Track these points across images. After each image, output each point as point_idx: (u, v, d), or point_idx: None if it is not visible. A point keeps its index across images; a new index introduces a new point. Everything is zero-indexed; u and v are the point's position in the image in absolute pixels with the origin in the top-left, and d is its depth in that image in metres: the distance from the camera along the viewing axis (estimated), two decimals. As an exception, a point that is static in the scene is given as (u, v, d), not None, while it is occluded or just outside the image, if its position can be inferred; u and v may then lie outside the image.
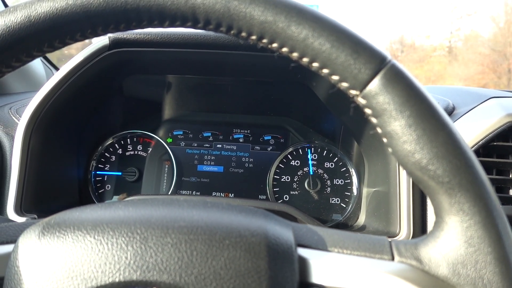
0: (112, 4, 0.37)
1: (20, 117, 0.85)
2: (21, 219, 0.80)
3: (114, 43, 0.82)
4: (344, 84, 0.37)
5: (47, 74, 1.52)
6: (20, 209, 0.82)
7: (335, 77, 0.38)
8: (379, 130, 0.38)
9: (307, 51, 0.37)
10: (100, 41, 0.82)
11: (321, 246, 0.39)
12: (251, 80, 1.07)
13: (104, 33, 0.40)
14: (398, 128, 0.36)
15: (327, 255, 0.38)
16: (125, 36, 0.82)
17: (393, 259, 0.38)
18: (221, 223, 0.37)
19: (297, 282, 0.35)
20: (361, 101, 0.38)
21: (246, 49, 0.85)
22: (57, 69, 1.58)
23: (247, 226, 0.37)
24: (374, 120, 0.38)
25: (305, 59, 0.38)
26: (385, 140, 0.38)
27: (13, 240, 0.38)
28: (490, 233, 0.34)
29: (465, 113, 0.87)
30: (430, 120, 0.35)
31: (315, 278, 0.36)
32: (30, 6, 0.38)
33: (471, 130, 0.81)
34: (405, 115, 0.35)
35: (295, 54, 0.38)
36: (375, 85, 0.36)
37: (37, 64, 1.46)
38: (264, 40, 0.38)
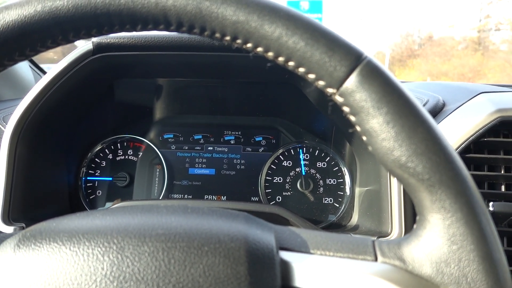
0: (81, 9, 0.37)
1: (6, 124, 0.83)
2: (8, 228, 0.79)
3: (98, 48, 0.81)
4: (321, 83, 0.37)
5: (36, 80, 1.50)
6: (8, 218, 0.81)
7: (311, 76, 0.37)
8: (358, 128, 0.37)
9: (281, 50, 0.36)
10: (83, 46, 0.81)
11: (304, 248, 0.38)
12: (241, 81, 1.06)
13: (75, 39, 0.39)
14: (376, 125, 0.35)
15: (309, 258, 0.37)
16: (108, 40, 0.81)
17: (376, 259, 0.37)
18: (200, 229, 0.36)
19: (279, 287, 0.34)
20: (338, 99, 0.37)
21: (234, 50, 0.84)
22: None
23: (227, 231, 0.36)
24: (352, 118, 0.37)
25: (280, 58, 0.37)
26: (364, 138, 0.37)
27: None
28: (472, 230, 0.34)
29: (455, 109, 0.86)
30: (408, 116, 0.34)
31: (298, 282, 0.36)
32: None
33: (462, 126, 0.81)
34: (383, 112, 0.35)
35: (270, 54, 0.37)
36: (351, 82, 0.35)
37: (25, 70, 1.45)
38: (238, 41, 0.37)
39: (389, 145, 0.35)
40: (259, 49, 0.37)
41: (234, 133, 1.14)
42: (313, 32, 0.36)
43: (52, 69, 0.82)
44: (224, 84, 1.08)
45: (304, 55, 0.36)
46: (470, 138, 0.79)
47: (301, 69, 0.37)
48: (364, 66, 0.35)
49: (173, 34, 0.82)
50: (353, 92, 0.35)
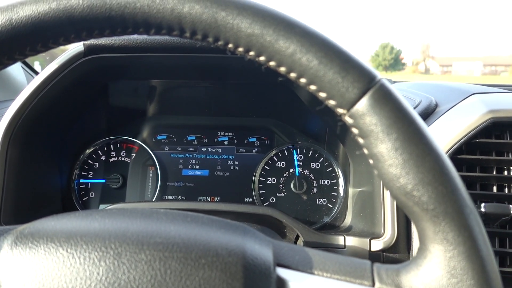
0: (96, 10, 0.37)
1: (-3, 126, 0.83)
2: None
3: (89, 50, 0.80)
4: (332, 102, 0.36)
5: (28, 81, 1.49)
6: (-1, 221, 0.80)
7: (322, 94, 0.37)
8: (365, 151, 0.37)
9: (294, 67, 0.36)
10: (75, 48, 0.81)
11: (301, 267, 0.38)
12: (235, 83, 1.06)
13: (88, 38, 0.39)
14: (384, 150, 0.35)
15: (306, 278, 0.37)
16: (100, 42, 0.80)
17: (373, 285, 0.37)
18: (198, 240, 0.36)
19: None
20: (348, 120, 0.37)
21: (226, 52, 0.83)
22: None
23: (225, 245, 0.36)
24: (360, 140, 0.37)
25: (292, 74, 0.37)
26: (371, 161, 0.37)
27: None
28: (473, 265, 0.33)
29: (447, 110, 0.87)
30: (418, 144, 0.34)
31: None
32: (12, 9, 0.37)
33: (454, 127, 0.81)
34: (392, 137, 0.34)
35: (282, 69, 0.37)
36: (362, 105, 0.35)
37: (17, 71, 1.44)
38: (251, 53, 0.37)
39: (396, 172, 0.34)
40: (272, 63, 0.37)
41: (227, 134, 1.14)
42: (328, 51, 0.35)
43: (44, 71, 0.81)
44: (217, 85, 1.08)
45: (317, 73, 0.35)
46: (463, 139, 0.79)
47: (312, 87, 0.37)
48: (376, 89, 0.35)
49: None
50: (363, 115, 0.35)
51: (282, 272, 0.37)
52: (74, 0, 0.37)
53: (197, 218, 0.39)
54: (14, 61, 0.41)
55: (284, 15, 0.36)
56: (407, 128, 0.34)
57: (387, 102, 0.35)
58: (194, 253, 0.34)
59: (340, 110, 0.37)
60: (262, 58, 0.37)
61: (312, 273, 0.38)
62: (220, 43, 0.37)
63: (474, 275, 0.33)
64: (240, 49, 0.37)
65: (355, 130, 0.37)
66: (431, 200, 0.34)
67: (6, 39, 0.38)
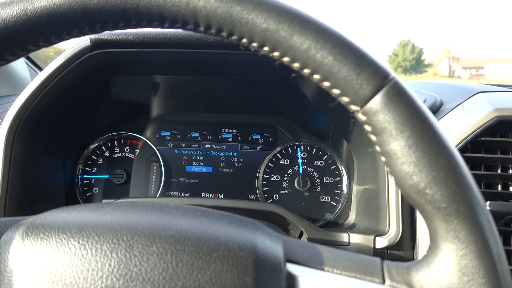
0: (111, 2, 0.37)
1: (2, 121, 0.83)
2: None
3: (95, 45, 0.80)
4: (345, 99, 0.37)
5: (32, 77, 1.49)
6: (4, 215, 0.80)
7: (336, 91, 0.37)
8: (378, 148, 0.37)
9: (308, 63, 0.36)
10: (81, 43, 0.81)
11: (311, 263, 0.38)
12: (239, 79, 1.06)
13: (102, 30, 0.39)
14: (397, 148, 0.35)
15: (316, 274, 0.37)
16: (106, 37, 0.80)
17: (383, 282, 0.37)
18: (210, 234, 0.36)
19: None
20: (361, 117, 0.37)
21: (232, 48, 0.84)
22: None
23: (236, 239, 0.36)
24: (373, 137, 0.37)
25: (306, 70, 0.37)
26: (383, 159, 0.37)
27: None
28: (485, 264, 0.33)
29: (452, 109, 0.87)
30: (431, 142, 0.34)
31: None
32: (27, 0, 0.37)
33: (459, 125, 0.81)
34: (405, 135, 0.34)
35: (296, 65, 0.37)
36: (376, 102, 0.35)
37: (21, 67, 1.44)
38: (266, 48, 0.37)
39: (409, 170, 0.34)
40: (286, 59, 0.37)
41: (231, 131, 1.14)
42: (342, 47, 0.35)
43: (49, 66, 0.81)
44: (221, 81, 1.08)
45: (331, 70, 0.36)
46: (468, 138, 0.79)
47: (326, 83, 0.37)
48: (390, 87, 0.35)
49: (171, 31, 0.81)
50: (377, 112, 0.35)
51: (292, 268, 0.37)
52: None
53: (207, 212, 0.40)
54: (27, 52, 0.41)
55: (299, 11, 0.36)
56: (421, 126, 0.34)
57: (401, 100, 0.35)
58: (205, 246, 0.34)
59: (354, 107, 0.37)
60: (276, 54, 0.37)
61: (322, 269, 0.38)
62: (234, 37, 0.38)
63: (485, 274, 0.33)
64: (254, 44, 0.37)
65: (368, 127, 0.37)
66: (444, 198, 0.34)
67: (21, 30, 0.38)
